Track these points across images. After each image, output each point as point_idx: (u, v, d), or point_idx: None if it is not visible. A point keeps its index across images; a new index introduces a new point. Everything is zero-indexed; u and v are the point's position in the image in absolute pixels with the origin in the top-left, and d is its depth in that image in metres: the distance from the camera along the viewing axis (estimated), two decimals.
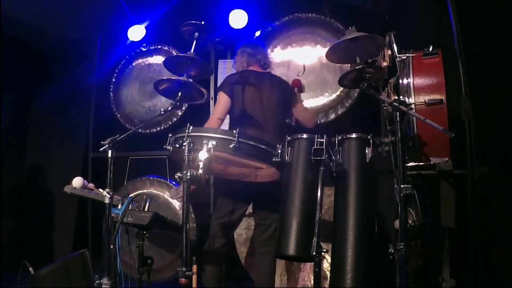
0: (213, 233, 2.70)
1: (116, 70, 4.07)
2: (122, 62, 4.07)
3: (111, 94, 4.04)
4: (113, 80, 4.06)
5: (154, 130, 3.86)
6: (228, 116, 2.83)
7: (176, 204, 3.56)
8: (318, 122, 3.51)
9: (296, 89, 3.28)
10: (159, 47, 3.98)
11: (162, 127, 3.86)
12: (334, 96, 3.50)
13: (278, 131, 2.71)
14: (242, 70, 2.92)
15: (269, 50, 3.66)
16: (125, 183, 3.63)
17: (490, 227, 2.48)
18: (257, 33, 3.66)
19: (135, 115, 3.98)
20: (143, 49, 4.00)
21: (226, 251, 2.75)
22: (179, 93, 2.25)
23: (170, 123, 3.85)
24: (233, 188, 2.67)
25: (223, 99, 2.75)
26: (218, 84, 3.41)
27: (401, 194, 1.87)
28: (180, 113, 3.82)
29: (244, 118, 2.72)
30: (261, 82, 2.81)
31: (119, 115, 4.00)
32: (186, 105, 3.67)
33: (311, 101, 3.54)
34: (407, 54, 2.53)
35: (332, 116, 3.49)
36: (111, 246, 2.15)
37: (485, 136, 2.55)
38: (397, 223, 2.00)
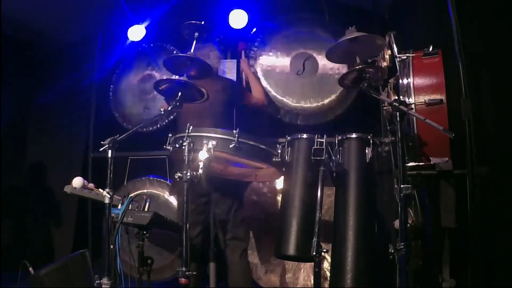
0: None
1: (116, 70, 4.07)
2: (121, 61, 4.07)
3: (110, 94, 4.04)
4: (113, 79, 4.06)
5: (151, 129, 3.85)
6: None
7: (176, 204, 3.56)
8: (314, 122, 3.51)
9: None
10: (159, 44, 3.99)
11: (159, 125, 3.85)
12: (333, 96, 3.50)
13: (219, 125, 2.73)
14: None
15: (268, 50, 3.67)
16: (125, 183, 3.63)
17: (490, 227, 2.48)
18: (253, 30, 3.67)
19: (134, 114, 3.98)
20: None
21: (201, 241, 2.76)
22: (179, 93, 2.25)
23: (167, 121, 3.84)
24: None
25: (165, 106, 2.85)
26: None
27: (401, 194, 1.87)
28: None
29: (183, 119, 2.82)
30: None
31: (117, 114, 4.00)
32: None
33: (311, 101, 3.54)
34: (407, 54, 2.53)
35: (332, 116, 3.49)
36: (111, 246, 2.14)
37: (485, 136, 2.55)
38: (397, 223, 2.00)
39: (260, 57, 3.66)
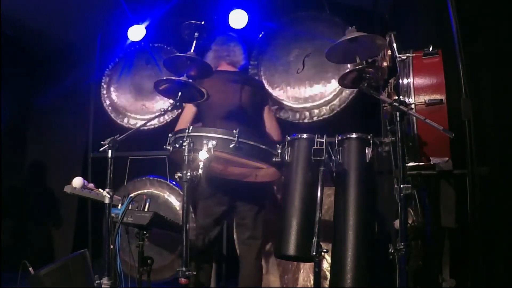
0: (200, 231, 2.69)
1: (109, 66, 4.07)
2: (116, 60, 4.07)
3: (104, 91, 4.03)
4: (106, 78, 4.06)
5: (152, 127, 3.86)
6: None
7: (176, 204, 3.56)
8: (317, 118, 3.51)
9: None
10: (158, 45, 3.99)
11: (157, 125, 3.85)
12: (332, 95, 3.50)
13: (248, 129, 2.65)
14: None
15: (269, 52, 3.66)
16: (125, 183, 3.63)
17: (490, 227, 2.48)
18: (261, 34, 3.68)
19: (132, 111, 3.98)
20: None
21: (215, 249, 2.73)
22: (179, 93, 2.25)
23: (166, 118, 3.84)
24: (215, 185, 2.64)
25: (188, 109, 2.75)
26: None
27: (401, 194, 1.87)
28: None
29: (211, 118, 2.71)
30: (226, 81, 2.77)
31: (112, 112, 4.01)
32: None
33: (312, 98, 3.54)
34: (407, 54, 2.53)
35: (332, 114, 3.48)
36: (111, 246, 2.15)
37: (485, 136, 2.55)
38: (397, 223, 1.99)
39: (262, 63, 3.66)
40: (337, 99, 3.48)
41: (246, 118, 2.72)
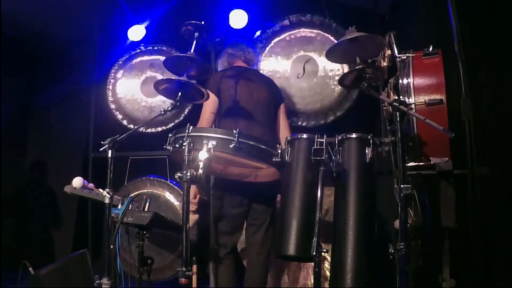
0: (219, 238, 2.66)
1: (113, 70, 4.06)
2: (119, 62, 4.06)
3: (109, 94, 4.03)
4: (111, 80, 4.05)
5: (160, 129, 3.85)
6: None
7: (176, 204, 3.57)
8: (318, 123, 3.52)
9: None
10: (158, 47, 3.98)
11: (167, 127, 3.84)
12: (334, 96, 3.50)
13: (267, 126, 2.73)
14: (227, 67, 2.94)
15: (269, 51, 3.67)
16: (125, 183, 3.64)
17: (490, 227, 2.48)
18: (257, 33, 3.67)
19: (138, 115, 3.98)
20: (143, 48, 4.00)
21: (234, 256, 2.70)
22: (179, 93, 2.25)
23: (173, 124, 3.85)
24: (231, 188, 2.64)
25: (206, 105, 2.71)
26: None
27: (401, 194, 1.87)
28: (184, 114, 3.83)
29: (232, 112, 2.70)
30: (247, 76, 2.81)
31: (120, 116, 4.00)
32: (190, 106, 3.71)
33: (312, 102, 3.54)
34: (407, 54, 2.53)
35: (332, 117, 3.49)
36: (111, 246, 2.15)
37: (485, 136, 2.55)
38: (397, 223, 2.00)
39: (261, 63, 3.66)
40: (336, 104, 3.51)
41: (266, 114, 2.75)
